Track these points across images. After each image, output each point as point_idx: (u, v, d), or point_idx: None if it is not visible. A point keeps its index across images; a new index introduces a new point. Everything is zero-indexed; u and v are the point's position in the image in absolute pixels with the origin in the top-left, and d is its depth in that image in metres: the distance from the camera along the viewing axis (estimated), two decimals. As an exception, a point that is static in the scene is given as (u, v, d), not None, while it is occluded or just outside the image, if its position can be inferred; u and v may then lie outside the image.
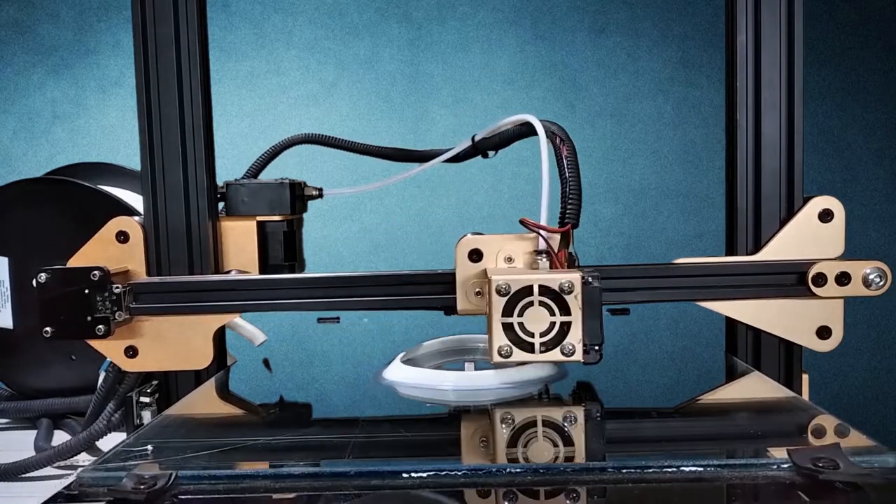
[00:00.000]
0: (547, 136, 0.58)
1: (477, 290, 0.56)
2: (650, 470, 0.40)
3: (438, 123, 1.70)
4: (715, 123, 1.71)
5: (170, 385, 0.63)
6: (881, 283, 0.57)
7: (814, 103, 1.70)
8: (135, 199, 0.85)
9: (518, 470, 0.41)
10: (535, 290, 0.51)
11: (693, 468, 0.40)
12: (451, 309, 0.58)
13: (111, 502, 0.38)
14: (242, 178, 0.70)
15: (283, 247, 0.66)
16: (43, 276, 0.58)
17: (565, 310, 0.51)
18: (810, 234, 0.59)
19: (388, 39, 1.73)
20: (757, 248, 0.60)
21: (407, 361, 0.65)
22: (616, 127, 1.73)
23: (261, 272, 0.65)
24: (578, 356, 0.52)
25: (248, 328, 0.79)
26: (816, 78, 1.70)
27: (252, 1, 1.73)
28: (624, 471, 0.40)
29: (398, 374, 0.63)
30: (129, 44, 0.62)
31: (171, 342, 0.60)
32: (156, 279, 0.61)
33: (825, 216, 0.59)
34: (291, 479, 0.40)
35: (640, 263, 0.60)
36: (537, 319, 0.51)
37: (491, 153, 0.69)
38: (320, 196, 0.72)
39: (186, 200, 0.62)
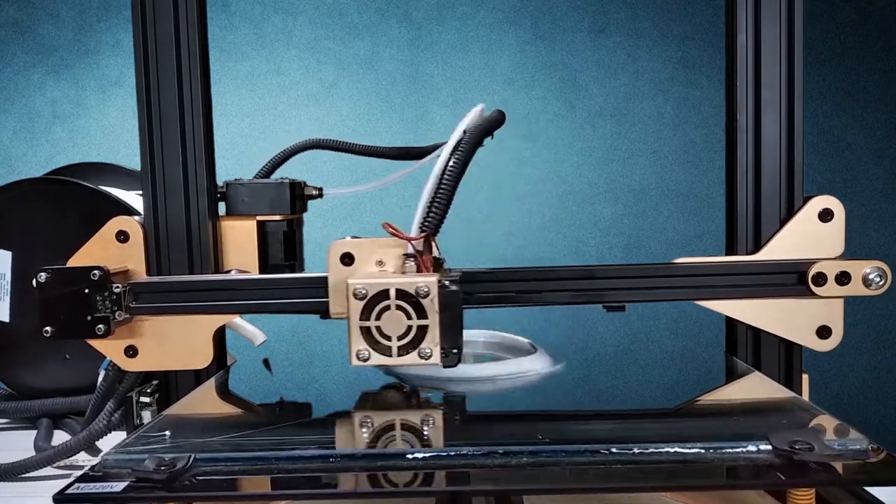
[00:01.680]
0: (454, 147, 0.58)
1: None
2: (636, 452, 0.42)
3: (438, 123, 1.70)
4: (715, 123, 1.71)
5: (170, 385, 0.63)
6: (881, 283, 0.57)
7: (814, 103, 1.70)
8: (135, 200, 0.85)
9: (516, 450, 0.42)
10: (392, 293, 0.52)
11: (677, 450, 0.42)
12: (325, 313, 0.58)
13: (135, 482, 0.40)
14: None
15: (283, 247, 0.66)
16: (43, 276, 0.58)
17: (422, 313, 0.51)
18: (810, 234, 0.59)
19: (388, 39, 1.73)
20: (757, 247, 0.60)
21: None
22: (616, 127, 1.73)
23: (261, 272, 0.65)
24: (436, 359, 0.52)
25: (248, 328, 0.79)
26: (816, 78, 1.70)
27: (252, 1, 1.73)
28: (611, 452, 0.42)
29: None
30: (129, 44, 0.62)
31: (171, 342, 0.60)
32: (156, 279, 0.61)
33: (825, 216, 0.59)
34: (305, 461, 0.43)
35: (640, 263, 0.60)
36: (394, 323, 0.52)
37: (487, 140, 0.69)
38: (320, 196, 0.72)
39: (186, 200, 0.62)
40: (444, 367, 0.53)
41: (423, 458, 0.42)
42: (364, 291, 0.52)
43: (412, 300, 0.52)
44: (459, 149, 0.57)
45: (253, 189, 0.66)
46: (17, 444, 0.72)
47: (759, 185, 0.61)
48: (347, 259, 0.56)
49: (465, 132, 0.59)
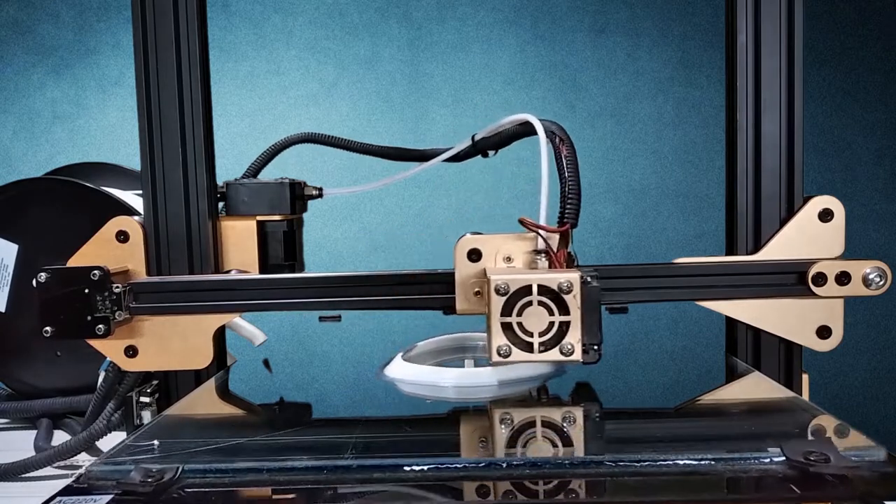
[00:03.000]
0: (546, 136, 0.58)
1: (476, 289, 0.56)
2: (645, 464, 0.40)
3: (438, 123, 1.70)
4: (715, 123, 1.71)
5: (170, 385, 0.63)
6: (881, 283, 0.57)
7: (814, 103, 1.70)
8: (135, 200, 0.85)
9: (517, 463, 0.41)
10: (534, 289, 0.51)
11: (688, 462, 0.40)
12: (450, 309, 0.58)
13: (120, 495, 0.39)
14: (242, 177, 0.70)
15: (283, 247, 0.66)
16: (43, 276, 0.58)
17: (564, 309, 0.51)
18: (810, 234, 0.59)
19: (388, 39, 1.73)
20: (757, 247, 0.60)
21: (408, 359, 0.65)
22: (616, 127, 1.73)
23: (261, 272, 0.65)
24: (577, 356, 0.51)
25: (248, 328, 0.79)
26: (816, 78, 1.70)
27: (252, 1, 1.73)
28: (620, 464, 0.41)
29: (399, 371, 0.63)
30: (129, 44, 0.62)
31: (171, 342, 0.60)
32: (156, 279, 0.61)
33: (825, 216, 0.59)
34: (295, 473, 0.41)
35: (640, 263, 0.60)
36: (536, 319, 0.51)
37: (491, 153, 0.69)
38: (320, 196, 0.72)
39: (186, 200, 0.62)
40: (584, 363, 0.52)
41: (420, 469, 0.41)
42: (506, 287, 0.51)
43: (554, 296, 0.51)
44: (564, 140, 0.57)
45: (253, 189, 0.66)
46: (17, 444, 0.72)
47: (759, 185, 0.61)
48: (475, 255, 0.56)
49: (555, 128, 0.58)
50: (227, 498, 0.40)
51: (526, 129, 0.62)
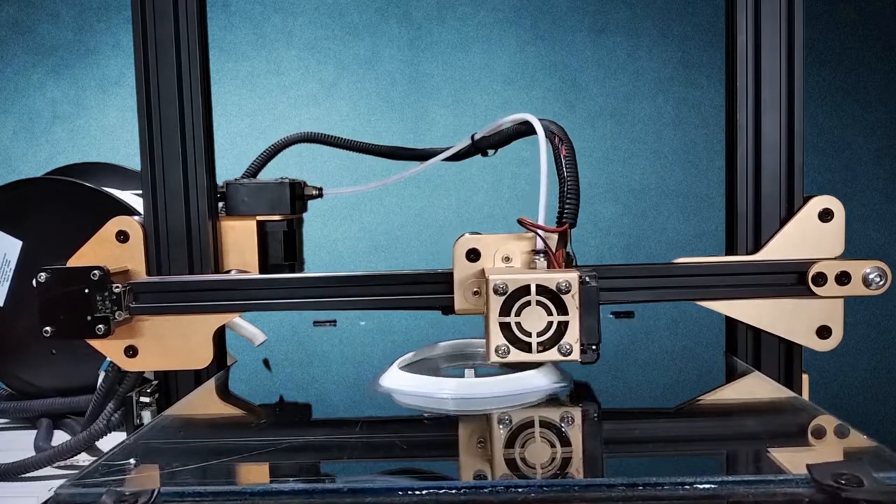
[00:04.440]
0: (546, 136, 0.58)
1: (475, 289, 0.56)
2: (663, 487, 0.38)
3: (438, 123, 1.70)
4: (715, 123, 1.71)
5: (170, 385, 0.63)
6: (881, 283, 0.57)
7: (814, 103, 1.70)
8: (135, 200, 0.85)
9: (521, 488, 0.38)
10: (533, 289, 0.51)
11: (708, 486, 0.38)
12: (448, 309, 0.58)
13: None
14: (242, 177, 0.70)
15: (283, 246, 0.66)
16: (43, 276, 0.58)
17: (563, 309, 0.51)
18: (810, 234, 0.59)
19: (388, 39, 1.73)
20: (757, 247, 0.60)
21: (405, 367, 0.62)
22: (616, 127, 1.73)
23: (261, 272, 0.65)
24: (576, 356, 0.51)
25: (248, 328, 0.79)
26: (816, 78, 1.70)
27: (252, 1, 1.73)
28: (636, 489, 0.38)
29: (395, 381, 0.60)
30: (129, 44, 0.62)
31: (171, 342, 0.60)
32: (156, 279, 0.61)
33: (825, 216, 0.59)
34: (281, 496, 0.38)
35: (640, 263, 0.60)
36: (535, 319, 0.51)
37: (490, 152, 0.69)
38: (320, 196, 0.72)
39: (186, 200, 0.62)
40: (583, 363, 0.52)
41: (417, 493, 0.38)
42: (504, 287, 0.51)
43: (552, 296, 0.51)
44: (559, 136, 0.57)
45: (253, 189, 0.66)
46: (17, 444, 0.72)
47: (759, 185, 0.61)
48: (473, 255, 0.56)
49: (554, 127, 0.58)
50: None
51: (525, 129, 0.62)
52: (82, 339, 0.59)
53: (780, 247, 0.60)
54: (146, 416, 0.62)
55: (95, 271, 0.58)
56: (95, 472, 0.41)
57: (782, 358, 0.62)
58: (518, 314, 0.51)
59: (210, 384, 0.62)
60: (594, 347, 0.52)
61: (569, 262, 0.55)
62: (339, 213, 1.67)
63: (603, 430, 0.52)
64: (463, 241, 0.56)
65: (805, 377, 0.62)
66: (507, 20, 1.73)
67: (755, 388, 0.58)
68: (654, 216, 1.73)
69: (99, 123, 1.73)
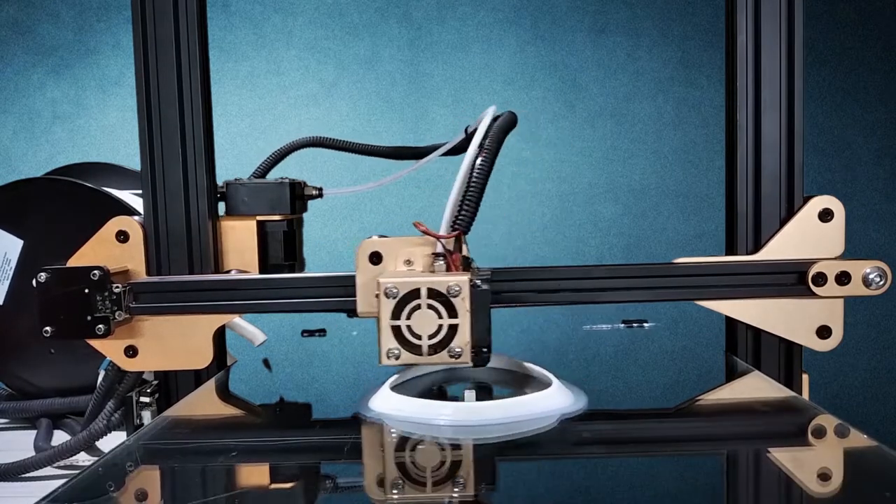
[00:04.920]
0: (479, 143, 0.58)
1: (377, 292, 0.55)
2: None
3: (438, 123, 1.70)
4: (715, 123, 1.71)
5: (170, 385, 0.63)
6: (881, 283, 0.57)
7: (814, 103, 1.70)
8: (134, 200, 0.85)
9: None
10: (423, 292, 0.51)
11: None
12: (353, 312, 0.58)
13: None
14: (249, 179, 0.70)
15: (283, 247, 0.66)
16: (43, 276, 0.58)
17: (453, 312, 0.51)
18: (810, 234, 0.59)
19: (388, 39, 1.73)
20: (757, 247, 0.60)
21: (396, 388, 0.56)
22: (616, 127, 1.73)
23: (261, 272, 0.65)
24: (466, 358, 0.52)
25: (248, 328, 0.79)
26: (816, 78, 1.70)
27: (252, 1, 1.73)
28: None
29: (387, 404, 0.54)
30: (129, 44, 0.62)
31: (171, 342, 0.60)
32: (156, 279, 0.61)
33: (825, 216, 0.59)
34: None
35: (640, 263, 0.60)
36: (425, 322, 0.52)
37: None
38: (320, 196, 0.72)
39: (186, 200, 0.62)
40: (474, 366, 0.52)
41: None
42: (395, 290, 0.52)
43: (443, 299, 0.51)
44: (486, 148, 0.57)
45: (253, 189, 0.66)
46: (17, 444, 0.72)
47: (759, 185, 0.61)
48: (376, 258, 0.56)
49: (487, 132, 0.58)
50: None
51: (510, 119, 0.63)
52: (82, 339, 0.59)
53: (780, 247, 0.60)
54: (146, 416, 0.62)
55: (95, 271, 0.58)
56: (65, 495, 0.38)
57: (782, 358, 0.62)
58: (409, 317, 0.52)
59: (210, 384, 0.62)
60: (485, 350, 0.52)
61: (466, 266, 0.55)
62: (339, 213, 1.67)
63: (603, 430, 0.52)
64: (366, 245, 0.57)
65: (805, 377, 0.62)
66: (507, 20, 1.73)
67: (755, 387, 0.58)
68: (654, 216, 1.73)
69: (99, 123, 1.73)
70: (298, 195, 0.69)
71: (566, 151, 1.71)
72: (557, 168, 1.71)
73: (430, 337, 0.52)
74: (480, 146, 0.57)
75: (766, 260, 0.59)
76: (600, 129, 1.72)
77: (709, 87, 1.72)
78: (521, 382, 0.59)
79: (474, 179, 0.56)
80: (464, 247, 0.55)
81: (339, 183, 0.75)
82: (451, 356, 0.52)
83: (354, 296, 0.57)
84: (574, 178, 1.71)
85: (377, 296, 0.54)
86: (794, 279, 0.58)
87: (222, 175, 0.66)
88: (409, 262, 0.56)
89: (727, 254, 0.63)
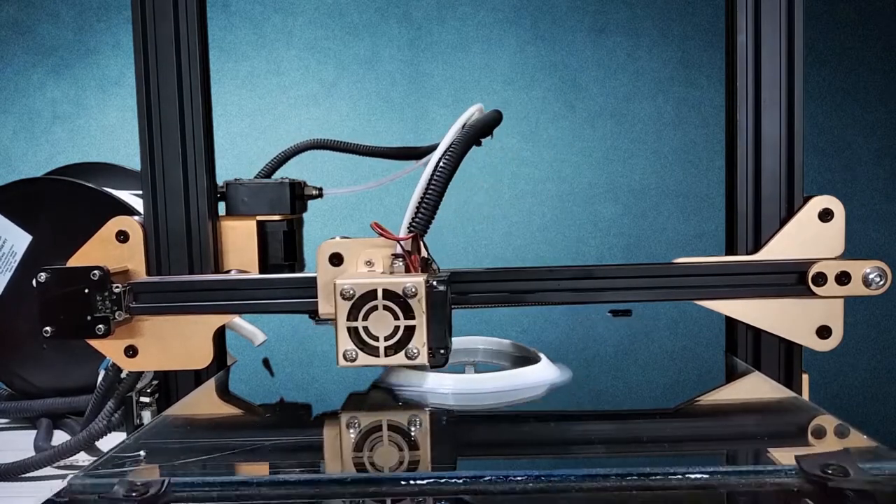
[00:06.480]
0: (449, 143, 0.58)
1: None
2: (655, 477, 0.39)
3: (438, 123, 1.70)
4: (715, 123, 1.71)
5: (170, 385, 0.63)
6: (881, 283, 0.57)
7: (814, 103, 1.70)
8: (134, 200, 0.85)
9: (519, 477, 0.40)
10: (380, 293, 0.52)
11: (699, 475, 0.39)
12: (314, 313, 0.58)
13: None
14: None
15: (283, 247, 0.66)
16: (43, 276, 0.58)
17: (410, 314, 0.51)
18: (810, 234, 0.59)
19: (388, 39, 1.73)
20: (757, 247, 0.60)
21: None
22: (616, 127, 1.73)
23: (261, 272, 0.65)
24: (423, 359, 0.52)
25: (248, 328, 0.79)
26: (816, 78, 1.70)
27: (252, 1, 1.73)
28: (628, 478, 0.39)
29: (396, 378, 0.61)
30: (129, 44, 0.62)
31: (171, 342, 0.60)
32: (156, 279, 0.61)
33: (825, 216, 0.59)
34: (287, 486, 0.40)
35: (640, 263, 0.60)
36: (382, 323, 0.52)
37: (483, 140, 0.69)
38: (320, 196, 0.72)
39: (186, 200, 0.62)
40: (432, 367, 0.53)
41: (419, 483, 0.39)
42: (351, 291, 0.52)
43: (400, 300, 0.52)
44: (450, 150, 0.57)
45: (253, 189, 0.66)
46: (17, 444, 0.72)
47: (759, 185, 0.61)
48: (336, 259, 0.56)
49: (461, 136, 0.59)
50: None
51: (487, 121, 0.63)
52: (82, 339, 0.59)
53: (780, 247, 0.60)
54: (146, 416, 0.62)
55: (95, 271, 0.58)
56: (107, 462, 0.42)
57: (782, 358, 0.62)
58: (366, 318, 0.52)
59: (210, 384, 0.62)
60: (442, 351, 0.52)
61: (426, 267, 0.55)
62: (339, 213, 1.67)
63: (603, 429, 0.52)
64: (326, 246, 0.57)
65: (805, 377, 0.62)
66: (507, 20, 1.73)
67: (755, 387, 0.58)
68: (654, 216, 1.73)
69: (99, 123, 1.73)
70: (298, 195, 0.69)
71: (566, 151, 1.71)
72: (557, 168, 1.71)
73: (387, 338, 0.52)
74: (447, 148, 0.57)
75: (766, 260, 0.59)
76: (600, 129, 1.72)
77: (709, 87, 1.72)
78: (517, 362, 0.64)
79: (433, 182, 0.56)
80: (423, 249, 0.55)
81: (339, 183, 0.75)
82: (408, 357, 0.52)
83: (316, 297, 0.57)
84: (574, 178, 1.71)
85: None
86: (794, 279, 0.58)
87: (222, 175, 0.66)
88: (370, 264, 0.56)
89: (727, 254, 0.63)
